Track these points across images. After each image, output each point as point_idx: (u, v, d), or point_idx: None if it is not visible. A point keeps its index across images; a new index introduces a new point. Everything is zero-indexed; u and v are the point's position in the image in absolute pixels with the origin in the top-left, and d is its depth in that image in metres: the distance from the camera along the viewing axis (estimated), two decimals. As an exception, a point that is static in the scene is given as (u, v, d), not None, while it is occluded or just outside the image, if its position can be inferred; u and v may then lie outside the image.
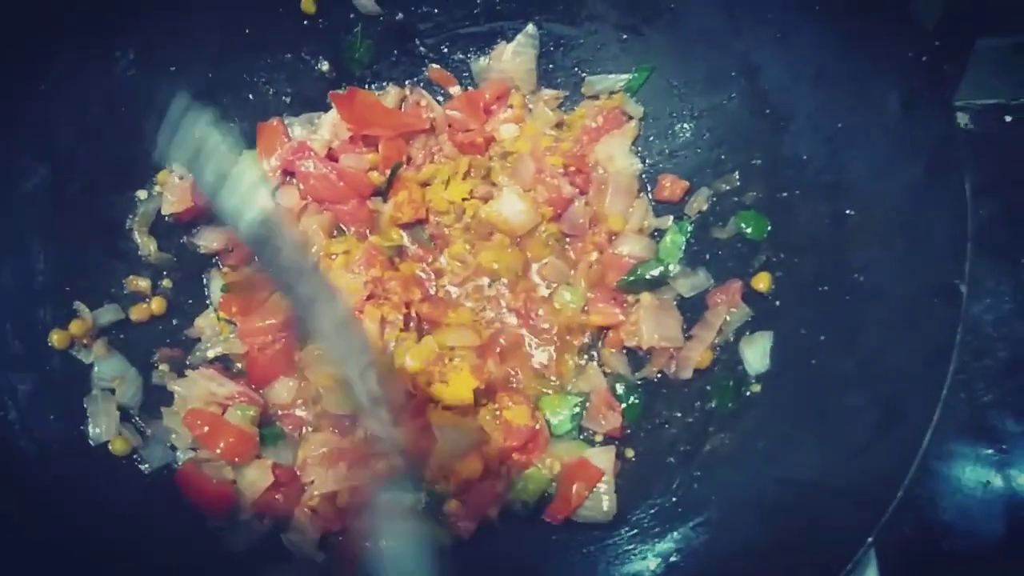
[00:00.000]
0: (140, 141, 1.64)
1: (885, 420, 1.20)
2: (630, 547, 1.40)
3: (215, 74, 1.71)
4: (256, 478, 1.49)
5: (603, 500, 1.47)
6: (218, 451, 1.48)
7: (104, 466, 1.46)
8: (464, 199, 1.73)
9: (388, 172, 1.71)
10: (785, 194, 1.52)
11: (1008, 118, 1.81)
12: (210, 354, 1.64)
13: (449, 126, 1.78)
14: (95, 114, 1.59)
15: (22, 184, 1.52)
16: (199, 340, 1.65)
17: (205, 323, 1.66)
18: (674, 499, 1.43)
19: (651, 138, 1.74)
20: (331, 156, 1.73)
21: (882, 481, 1.13)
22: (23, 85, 1.49)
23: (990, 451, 1.71)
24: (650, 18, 1.67)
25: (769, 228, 1.55)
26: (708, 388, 1.54)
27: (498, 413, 1.56)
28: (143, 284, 1.63)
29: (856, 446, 1.22)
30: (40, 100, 1.51)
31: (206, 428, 1.49)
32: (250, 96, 1.76)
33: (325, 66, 1.78)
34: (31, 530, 1.31)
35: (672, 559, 1.36)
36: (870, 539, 1.09)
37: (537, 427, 1.55)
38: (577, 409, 1.59)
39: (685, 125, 1.70)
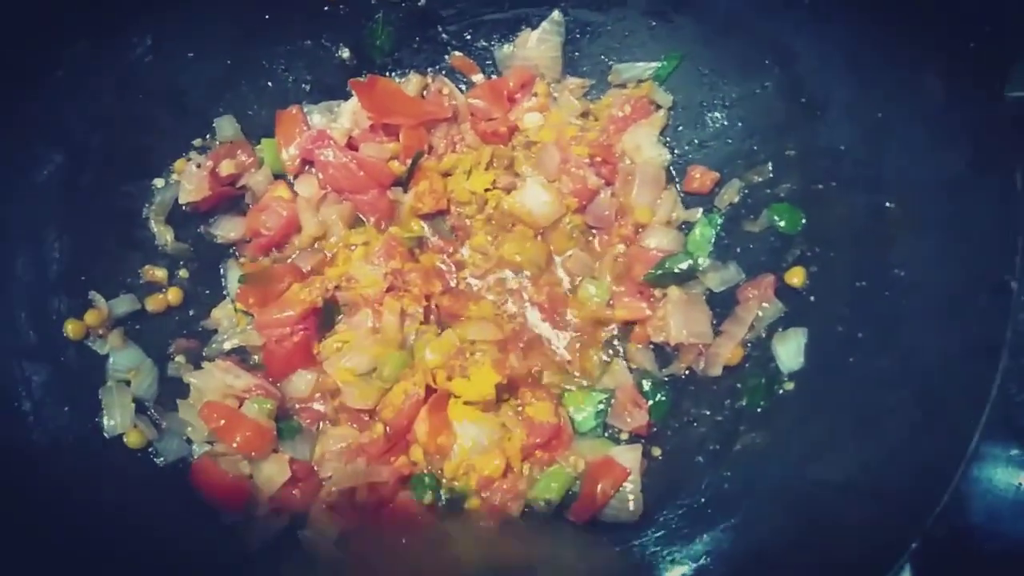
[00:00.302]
0: (158, 129, 1.65)
1: (927, 422, 1.15)
2: (657, 548, 1.36)
3: (233, 61, 1.69)
4: (273, 473, 1.45)
5: (629, 500, 1.43)
6: (234, 445, 1.45)
7: (119, 459, 1.44)
8: (486, 190, 1.69)
9: (409, 162, 1.67)
10: (820, 186, 1.47)
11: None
12: (227, 346, 1.61)
13: (472, 115, 1.74)
14: (111, 101, 1.57)
15: (37, 172, 1.50)
16: (216, 332, 1.62)
17: (222, 314, 1.63)
18: (703, 500, 1.38)
19: (680, 128, 1.70)
20: (351, 145, 1.70)
21: (924, 486, 1.08)
22: (38, 72, 1.48)
23: (1022, 452, 1.66)
24: (680, 4, 1.63)
25: (804, 221, 1.50)
26: (738, 386, 1.49)
27: (520, 409, 1.52)
28: (159, 274, 1.61)
29: (896, 449, 1.17)
30: (55, 87, 1.50)
31: (222, 421, 1.47)
32: (269, 83, 1.73)
33: (346, 53, 1.75)
34: (44, 523, 1.29)
35: (702, 562, 1.31)
36: (914, 545, 1.03)
37: (560, 424, 1.51)
38: (602, 406, 1.54)
39: (716, 114, 1.65)
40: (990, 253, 1.14)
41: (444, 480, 1.48)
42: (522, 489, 1.47)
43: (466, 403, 1.49)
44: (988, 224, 1.16)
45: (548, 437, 1.49)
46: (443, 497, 1.47)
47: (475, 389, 1.48)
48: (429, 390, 1.50)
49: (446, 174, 1.71)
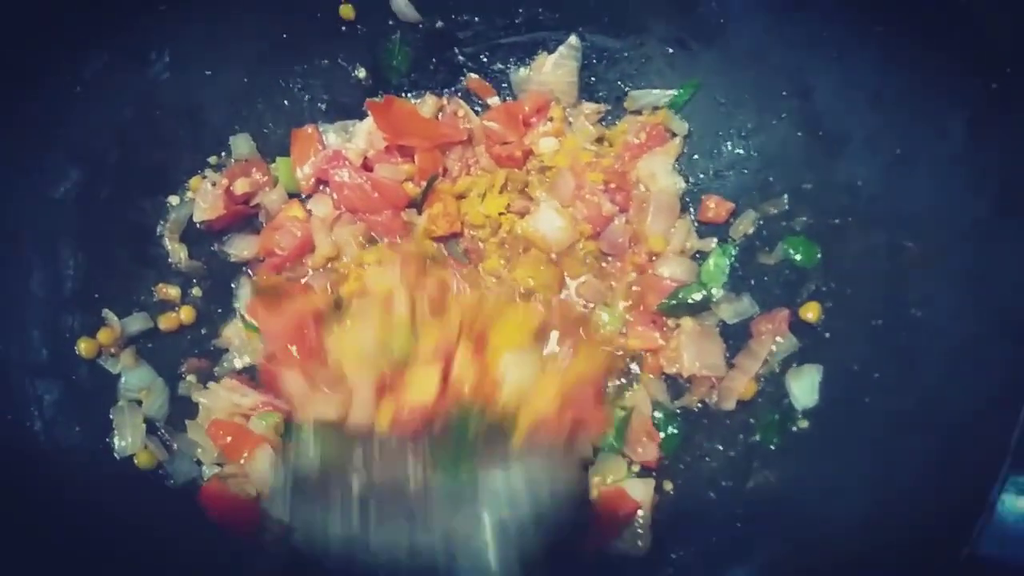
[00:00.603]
0: (174, 146, 1.65)
1: (945, 467, 1.14)
2: (670, 588, 1.35)
3: (250, 79, 1.69)
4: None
5: (638, 534, 1.42)
6: (242, 461, 1.44)
7: (129, 480, 1.43)
8: (500, 213, 1.68)
9: (424, 184, 1.67)
10: (837, 221, 1.47)
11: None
12: (238, 364, 1.60)
13: (487, 138, 1.73)
14: (128, 117, 1.58)
15: (53, 188, 1.51)
16: (227, 351, 1.62)
17: (232, 332, 1.62)
18: (714, 539, 1.37)
19: (695, 157, 1.69)
20: (366, 166, 1.70)
21: (943, 535, 1.07)
22: (55, 87, 1.48)
23: None
24: (699, 32, 1.63)
25: (819, 255, 1.49)
26: (752, 421, 1.48)
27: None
28: (172, 292, 1.60)
29: (913, 493, 1.16)
30: (72, 102, 1.50)
31: (229, 438, 1.47)
32: (285, 102, 1.73)
33: (362, 73, 1.75)
34: (54, 543, 1.28)
35: (714, 603, 1.30)
36: (930, 595, 1.03)
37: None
38: (619, 424, 1.52)
39: (732, 144, 1.65)
40: (1012, 298, 1.13)
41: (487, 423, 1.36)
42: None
43: (508, 339, 1.41)
44: (1013, 269, 1.15)
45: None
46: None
47: (517, 325, 1.42)
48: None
49: (460, 197, 1.70)
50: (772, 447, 1.43)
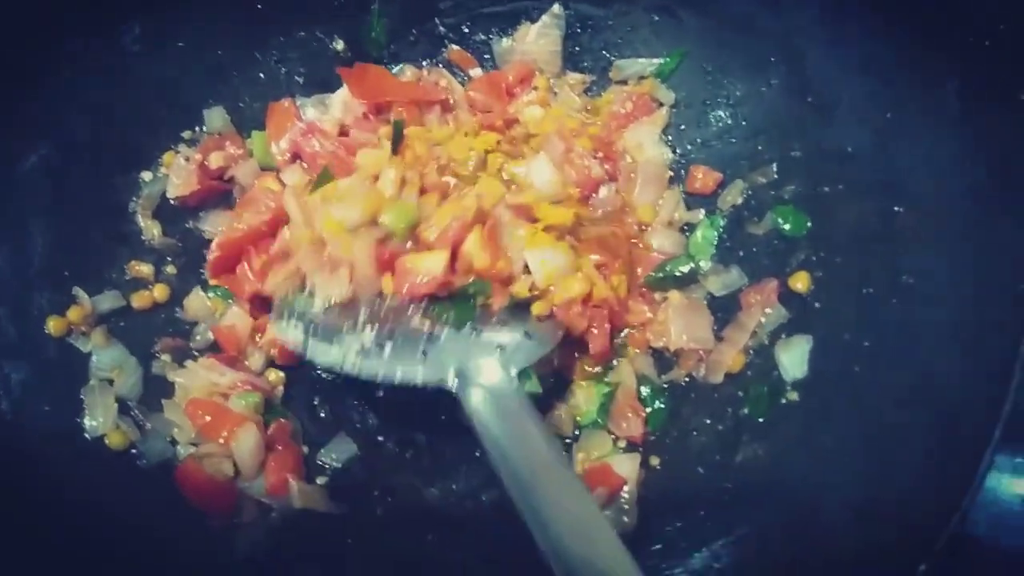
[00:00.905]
0: (146, 121, 1.62)
1: (937, 438, 1.12)
2: (654, 563, 1.31)
3: (224, 51, 1.66)
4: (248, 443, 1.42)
5: (624, 509, 1.39)
6: (221, 440, 1.42)
7: (100, 461, 1.40)
8: (488, 151, 1.56)
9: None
10: (827, 189, 1.45)
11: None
12: (211, 335, 1.56)
13: (469, 107, 1.69)
14: (98, 91, 1.55)
15: (20, 163, 1.48)
16: (196, 324, 1.58)
17: (197, 304, 1.57)
18: (702, 513, 1.34)
19: (683, 126, 1.66)
20: (342, 134, 1.65)
21: (934, 506, 1.05)
22: (23, 60, 1.45)
23: None
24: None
25: (809, 225, 1.47)
26: (740, 394, 1.45)
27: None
28: (145, 270, 1.57)
29: (904, 466, 1.14)
30: (40, 75, 1.47)
31: (208, 418, 1.44)
32: (261, 75, 1.70)
33: (340, 45, 1.72)
34: (22, 526, 1.25)
35: (701, 581, 1.28)
36: (922, 567, 1.00)
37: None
38: (604, 400, 1.49)
39: (719, 113, 1.62)
40: (1008, 265, 1.11)
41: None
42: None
43: (544, 229, 1.42)
44: (1007, 234, 1.13)
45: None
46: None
47: (555, 213, 1.43)
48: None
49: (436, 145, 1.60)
50: (761, 420, 1.41)
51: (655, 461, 1.46)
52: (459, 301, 1.37)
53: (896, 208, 1.31)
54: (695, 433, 1.47)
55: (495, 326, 1.36)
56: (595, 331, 1.45)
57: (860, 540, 1.13)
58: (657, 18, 1.65)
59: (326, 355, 1.36)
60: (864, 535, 1.13)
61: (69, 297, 1.47)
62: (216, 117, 1.65)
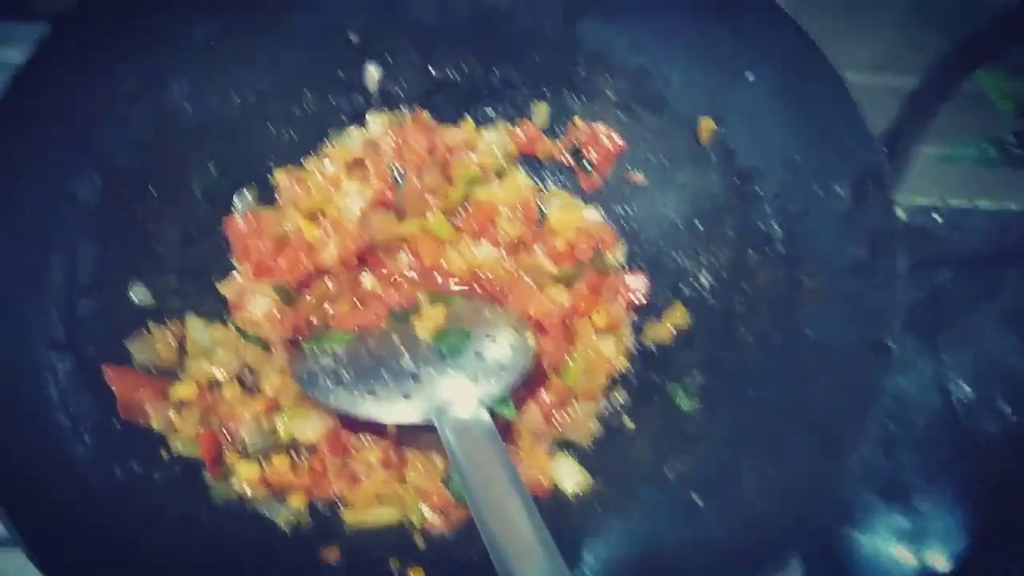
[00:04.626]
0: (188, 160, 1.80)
1: (819, 449, 1.43)
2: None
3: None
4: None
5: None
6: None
7: (135, 444, 1.59)
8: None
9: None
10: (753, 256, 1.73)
11: (937, 216, 2.18)
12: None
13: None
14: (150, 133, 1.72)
15: (76, 189, 1.64)
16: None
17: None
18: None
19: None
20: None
21: (813, 504, 1.39)
22: (90, 108, 1.63)
23: (906, 521, 1.91)
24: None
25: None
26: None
27: None
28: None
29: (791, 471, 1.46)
30: (104, 121, 1.66)
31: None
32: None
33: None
34: (60, 499, 1.43)
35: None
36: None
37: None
38: None
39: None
40: (877, 320, 1.44)
41: None
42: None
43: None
44: (878, 298, 1.45)
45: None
46: None
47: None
48: None
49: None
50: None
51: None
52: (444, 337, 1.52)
53: (802, 277, 1.62)
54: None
55: (472, 360, 1.49)
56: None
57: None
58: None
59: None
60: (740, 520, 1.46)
61: (111, 304, 1.66)
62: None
